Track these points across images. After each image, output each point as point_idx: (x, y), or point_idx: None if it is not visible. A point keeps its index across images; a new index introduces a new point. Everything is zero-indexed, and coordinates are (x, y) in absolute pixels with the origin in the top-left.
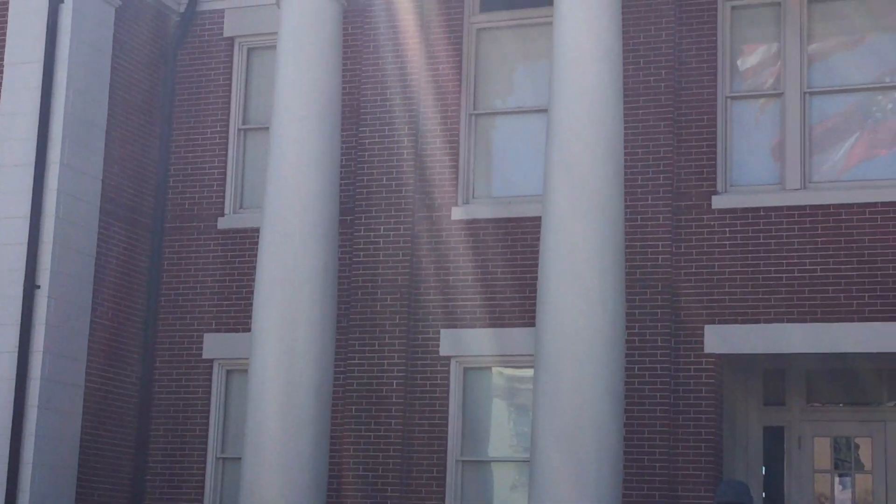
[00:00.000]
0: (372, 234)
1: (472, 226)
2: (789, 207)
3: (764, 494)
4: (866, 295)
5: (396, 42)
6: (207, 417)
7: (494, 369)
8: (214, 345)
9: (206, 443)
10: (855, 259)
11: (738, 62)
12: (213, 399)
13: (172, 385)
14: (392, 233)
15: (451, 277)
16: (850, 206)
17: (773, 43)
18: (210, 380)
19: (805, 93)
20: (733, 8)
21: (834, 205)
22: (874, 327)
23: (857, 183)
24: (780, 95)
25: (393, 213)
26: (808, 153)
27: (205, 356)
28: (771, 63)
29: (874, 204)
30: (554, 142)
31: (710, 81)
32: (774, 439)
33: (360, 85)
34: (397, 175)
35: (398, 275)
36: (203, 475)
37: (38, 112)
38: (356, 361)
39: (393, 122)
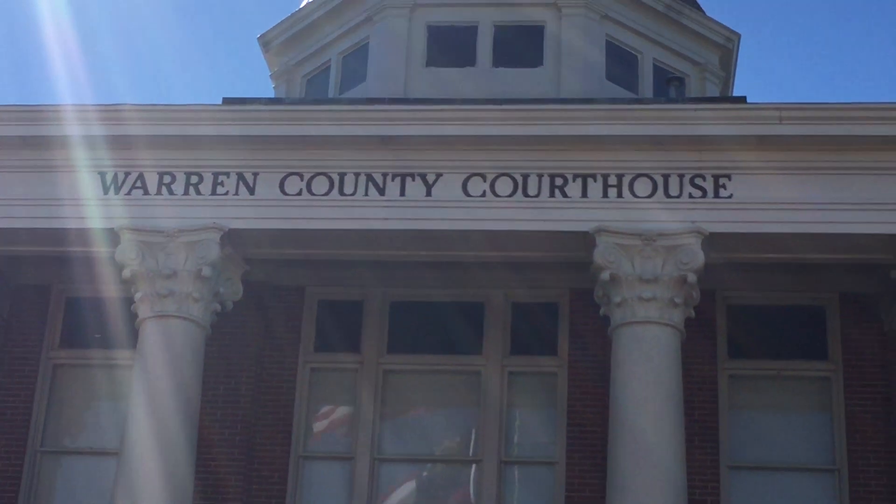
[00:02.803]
0: None
1: None
2: None
3: None
4: None
5: None
6: None
7: None
8: None
9: None
10: None
11: (314, 423)
12: None
13: None
14: None
15: None
16: None
17: (348, 407)
18: None
19: (375, 459)
20: (312, 369)
21: None
22: None
23: None
24: (350, 459)
25: None
26: None
27: None
28: (345, 425)
29: None
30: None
31: (285, 439)
32: None
33: None
34: None
35: None
36: None
37: None
38: None
39: None
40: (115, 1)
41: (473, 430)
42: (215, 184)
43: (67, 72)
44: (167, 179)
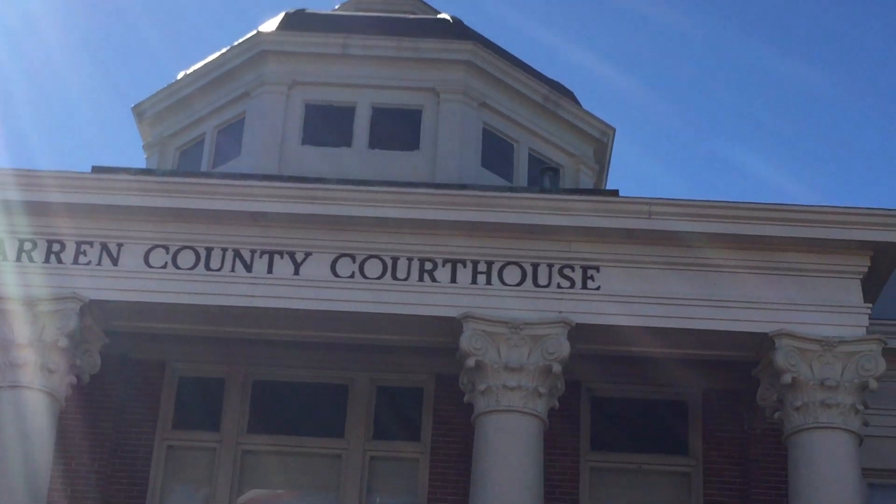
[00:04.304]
0: None
1: None
2: None
3: None
4: None
5: None
6: None
7: None
8: None
9: None
10: None
11: (168, 501)
12: None
13: None
14: None
15: None
16: None
17: (206, 486)
18: None
19: None
20: (169, 447)
21: None
22: None
23: None
24: None
25: None
26: None
27: None
28: None
29: None
30: None
31: None
32: None
33: None
34: None
35: None
36: None
37: None
38: None
39: None
40: None
41: None
42: (78, 253)
43: None
44: (28, 247)
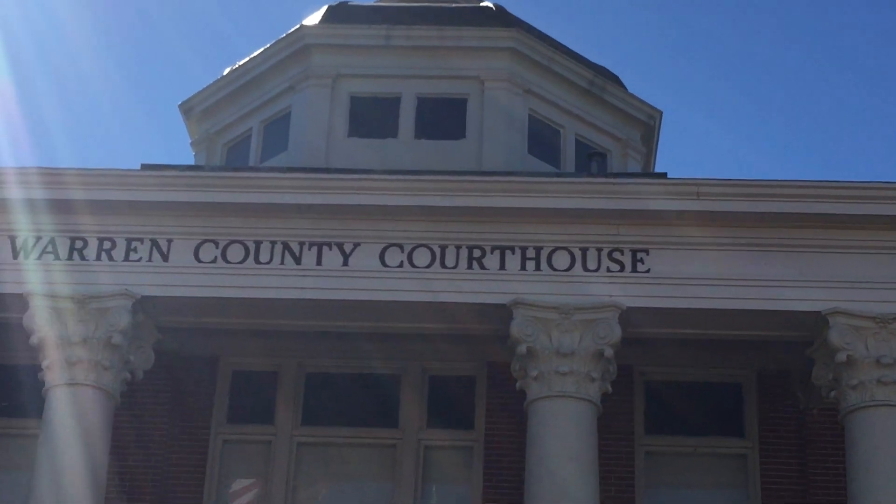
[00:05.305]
0: None
1: None
2: None
3: None
4: None
5: None
6: None
7: None
8: None
9: None
10: None
11: (225, 495)
12: None
13: None
14: None
15: None
16: None
17: (261, 479)
18: None
19: None
20: (224, 441)
21: None
22: None
23: None
24: None
25: None
26: None
27: None
28: (257, 498)
29: None
30: None
31: None
32: None
33: None
34: None
35: None
36: None
37: None
38: None
39: None
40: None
41: None
42: (128, 250)
43: None
44: (79, 245)
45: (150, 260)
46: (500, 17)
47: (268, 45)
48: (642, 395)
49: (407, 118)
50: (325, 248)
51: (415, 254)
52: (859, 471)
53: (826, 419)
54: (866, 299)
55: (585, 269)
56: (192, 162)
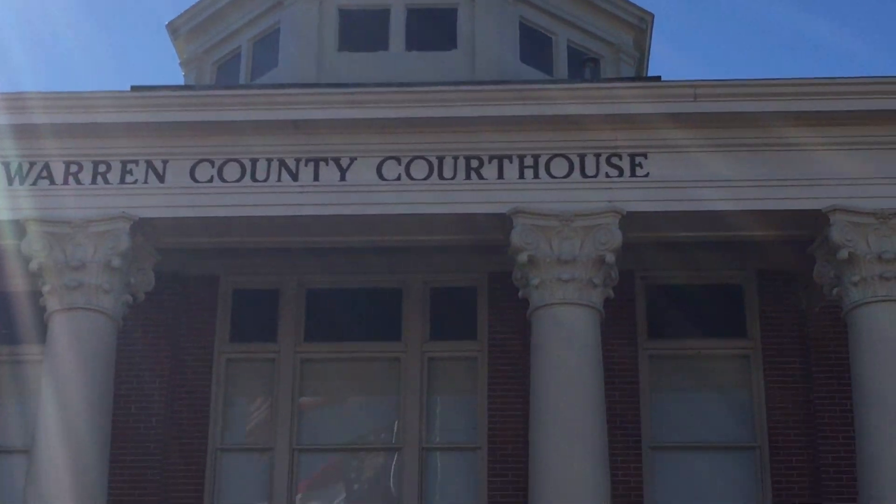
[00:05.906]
0: None
1: None
2: None
3: None
4: None
5: None
6: None
7: None
8: None
9: None
10: None
11: (231, 414)
12: None
13: None
14: None
15: None
16: None
17: (266, 397)
18: None
19: (294, 449)
20: (228, 360)
21: None
22: None
23: None
24: (269, 450)
25: None
26: None
27: None
28: (262, 416)
29: None
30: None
31: (202, 432)
32: None
33: None
34: None
35: None
36: None
37: None
38: None
39: None
40: None
41: (394, 418)
42: (124, 172)
43: None
44: (74, 169)
45: (146, 182)
46: None
47: None
48: (644, 299)
49: (397, 30)
50: (321, 164)
51: (412, 166)
52: (864, 366)
53: (828, 317)
54: (866, 195)
55: (584, 175)
56: (182, 83)
